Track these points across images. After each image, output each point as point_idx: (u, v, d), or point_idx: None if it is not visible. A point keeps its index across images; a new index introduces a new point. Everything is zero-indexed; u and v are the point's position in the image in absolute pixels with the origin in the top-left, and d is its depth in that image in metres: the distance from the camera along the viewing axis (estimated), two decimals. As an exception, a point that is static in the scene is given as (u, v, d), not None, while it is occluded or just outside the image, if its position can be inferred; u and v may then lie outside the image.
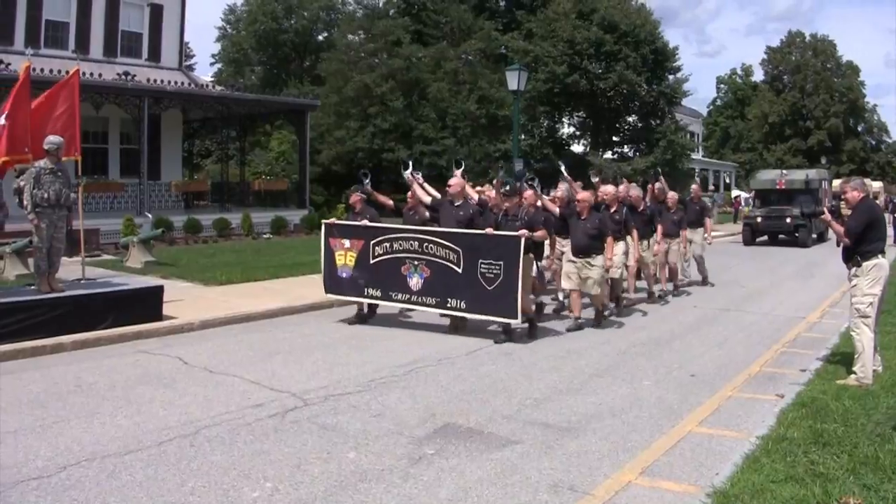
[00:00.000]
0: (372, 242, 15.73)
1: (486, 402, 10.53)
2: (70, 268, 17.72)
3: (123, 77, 33.80)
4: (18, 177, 15.23)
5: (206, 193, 44.83)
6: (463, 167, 16.64)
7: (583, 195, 16.09)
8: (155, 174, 36.82)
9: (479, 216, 15.39)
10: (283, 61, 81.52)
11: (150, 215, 32.42)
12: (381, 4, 66.53)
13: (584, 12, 51.97)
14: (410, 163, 17.33)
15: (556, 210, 16.41)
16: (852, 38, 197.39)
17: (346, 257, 16.10)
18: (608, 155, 55.42)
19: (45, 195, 14.31)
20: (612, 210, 17.14)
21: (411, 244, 15.25)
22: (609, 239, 15.66)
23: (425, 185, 16.83)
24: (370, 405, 10.34)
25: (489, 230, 14.48)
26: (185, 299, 17.74)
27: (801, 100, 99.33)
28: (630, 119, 56.03)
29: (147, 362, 12.61)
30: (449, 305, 14.80)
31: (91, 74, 30.05)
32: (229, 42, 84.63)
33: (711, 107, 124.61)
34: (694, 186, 25.76)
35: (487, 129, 53.68)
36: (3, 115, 15.58)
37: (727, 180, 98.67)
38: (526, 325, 14.96)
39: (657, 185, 21.52)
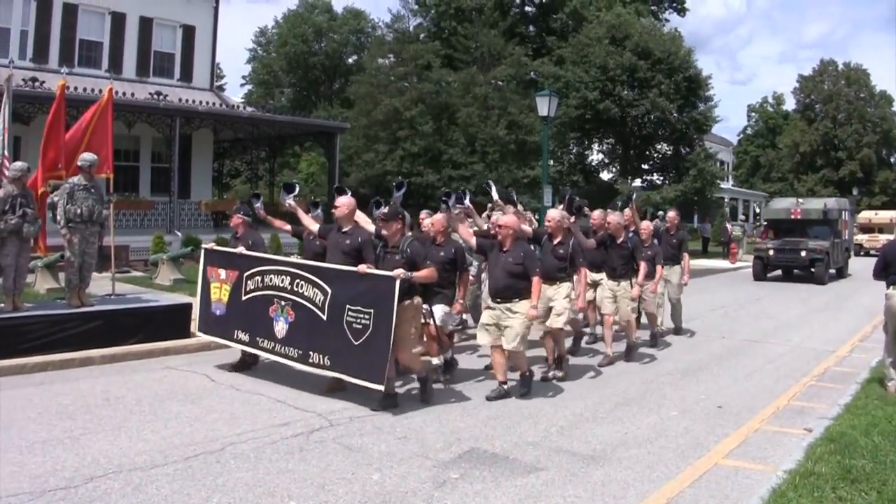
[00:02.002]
0: (245, 275, 13.02)
1: (511, 427, 10.50)
2: (100, 283, 17.87)
3: (155, 97, 33.97)
4: (52, 192, 15.39)
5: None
6: (494, 189, 15.57)
7: (505, 220, 12.55)
8: (185, 193, 36.97)
9: (371, 248, 12.13)
10: (312, 84, 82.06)
11: (179, 233, 32.48)
12: (411, 29, 66.65)
13: (618, 38, 51.72)
14: (297, 186, 14.61)
15: (472, 240, 13.02)
16: (886, 67, 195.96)
17: (220, 291, 13.50)
18: (637, 182, 55.16)
19: (78, 211, 14.51)
20: (557, 241, 13.62)
21: (282, 279, 12.40)
22: (535, 279, 12.03)
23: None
24: (395, 427, 10.35)
25: (362, 267, 11.36)
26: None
27: (833, 129, 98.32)
28: (660, 147, 55.77)
29: (174, 378, 12.72)
30: (311, 360, 11.73)
31: (124, 94, 30.25)
32: (260, 64, 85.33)
33: (742, 135, 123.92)
34: (671, 214, 20.06)
35: (516, 154, 53.61)
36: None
37: (757, 210, 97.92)
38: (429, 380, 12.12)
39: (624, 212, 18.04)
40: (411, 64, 58.05)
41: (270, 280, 12.58)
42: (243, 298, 13.02)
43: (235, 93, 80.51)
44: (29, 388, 11.89)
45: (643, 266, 15.57)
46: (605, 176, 57.70)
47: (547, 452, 9.46)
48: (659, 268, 17.10)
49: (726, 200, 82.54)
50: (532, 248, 13.35)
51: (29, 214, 14.08)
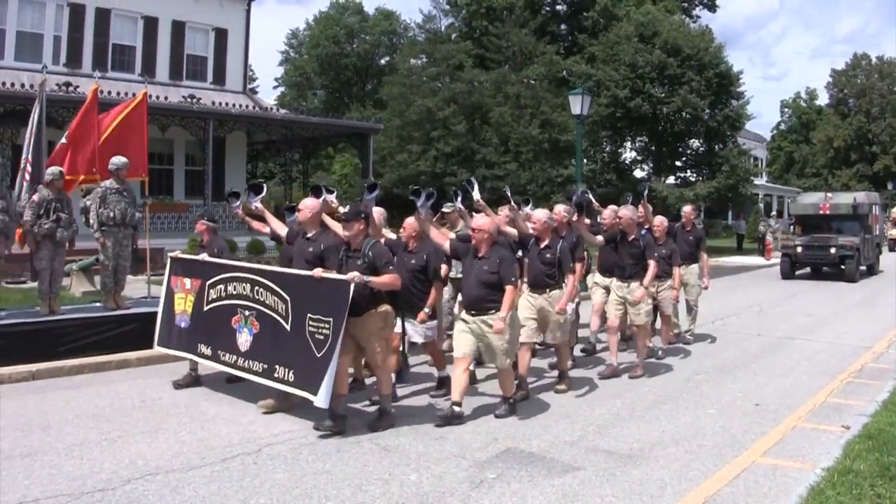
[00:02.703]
0: (208, 283, 12.00)
1: (548, 427, 10.47)
2: (135, 286, 17.95)
3: (189, 100, 34.19)
4: (85, 196, 15.50)
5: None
6: (476, 188, 12.65)
7: (479, 222, 11.16)
8: (219, 195, 37.02)
9: (336, 253, 10.83)
10: (345, 85, 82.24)
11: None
12: (442, 29, 66.77)
13: (647, 35, 51.50)
14: (265, 187, 13.29)
15: (446, 244, 11.54)
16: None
17: (185, 301, 12.44)
18: (671, 180, 54.92)
19: (111, 214, 14.60)
20: (544, 245, 12.31)
21: (244, 287, 11.35)
22: (509, 289, 10.72)
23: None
24: (432, 428, 10.33)
25: (317, 271, 10.32)
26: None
27: (867, 124, 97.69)
28: (693, 143, 55.53)
29: (210, 380, 12.67)
30: (276, 375, 10.58)
31: (157, 97, 30.35)
32: (292, 66, 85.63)
33: (775, 131, 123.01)
34: (686, 209, 18.56)
35: (550, 153, 53.50)
36: (65, 136, 15.99)
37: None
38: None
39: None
40: (443, 64, 58.12)
41: (234, 288, 11.51)
42: (205, 309, 11.97)
43: (268, 95, 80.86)
44: (66, 391, 11.97)
45: (652, 265, 13.89)
46: (639, 174, 57.51)
47: (584, 452, 9.42)
48: (676, 268, 15.78)
49: (760, 197, 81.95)
50: (514, 253, 12.32)
51: (63, 219, 14.21)
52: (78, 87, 29.50)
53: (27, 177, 15.46)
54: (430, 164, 53.50)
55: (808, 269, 34.95)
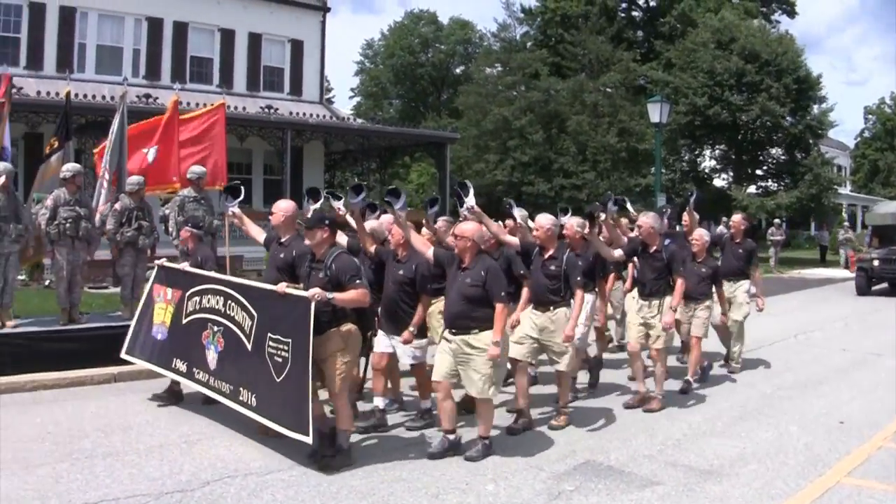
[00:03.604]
0: (187, 294, 11.28)
1: (626, 440, 10.37)
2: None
3: (266, 110, 34.48)
4: (164, 205, 15.72)
5: (347, 224, 45.02)
6: (471, 192, 11.13)
7: (463, 228, 9.94)
8: (297, 204, 37.28)
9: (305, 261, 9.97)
10: (420, 94, 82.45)
11: (290, 244, 32.74)
12: (517, 37, 66.65)
13: (724, 42, 51.02)
14: (243, 191, 12.49)
15: (429, 252, 10.61)
16: None
17: (165, 312, 11.73)
18: (751, 189, 54.26)
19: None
20: (548, 255, 11.16)
21: (217, 300, 10.60)
22: (499, 307, 9.45)
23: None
24: (509, 438, 10.30)
25: (281, 286, 9.45)
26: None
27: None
28: (773, 152, 54.85)
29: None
30: (241, 398, 9.78)
31: (235, 108, 30.59)
32: (367, 76, 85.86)
33: (859, 138, 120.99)
34: (736, 217, 16.48)
35: (628, 162, 53.13)
36: (153, 148, 16.29)
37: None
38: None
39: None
40: (519, 73, 57.97)
41: (208, 301, 10.80)
42: (183, 322, 11.23)
43: (344, 105, 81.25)
44: (146, 394, 12.14)
45: (680, 283, 12.20)
46: (718, 183, 56.98)
47: (663, 466, 9.32)
48: (720, 289, 14.46)
49: (845, 206, 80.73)
50: (499, 263, 10.80)
51: (145, 227, 14.54)
52: (157, 98, 29.87)
53: (105, 185, 15.75)
54: (508, 174, 53.37)
55: (885, 285, 31.39)
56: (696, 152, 56.35)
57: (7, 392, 12.22)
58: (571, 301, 11.05)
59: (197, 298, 11.02)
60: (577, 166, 52.14)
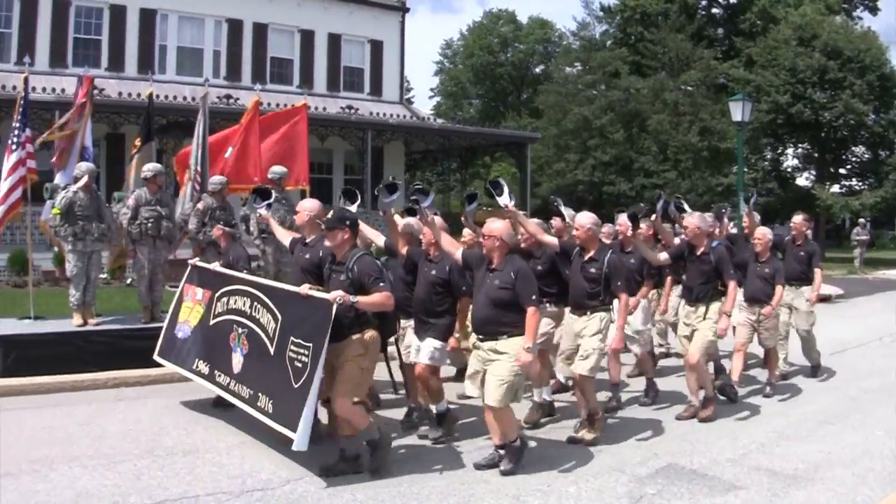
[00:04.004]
0: (216, 295, 10.96)
1: (709, 444, 10.18)
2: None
3: (347, 111, 34.74)
4: (245, 205, 15.83)
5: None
6: (506, 191, 10.19)
7: (491, 227, 9.26)
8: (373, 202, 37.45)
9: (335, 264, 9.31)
10: (500, 94, 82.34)
11: (372, 244, 32.93)
12: (597, 36, 66.34)
13: (805, 38, 50.36)
14: (273, 193, 12.57)
15: (458, 253, 9.78)
16: None
17: (192, 311, 11.49)
18: (835, 188, 53.48)
19: (271, 222, 14.81)
20: (588, 256, 10.43)
21: (244, 302, 10.24)
22: (531, 311, 8.83)
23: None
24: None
25: (304, 287, 9.06)
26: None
27: None
28: (857, 150, 54.05)
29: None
30: (259, 404, 9.27)
31: (316, 108, 30.77)
32: (447, 76, 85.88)
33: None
34: (797, 218, 15.18)
35: (710, 161, 52.61)
36: (234, 147, 16.42)
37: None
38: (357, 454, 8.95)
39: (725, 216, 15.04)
40: (599, 72, 57.76)
41: (235, 302, 10.46)
42: (211, 323, 10.90)
43: (424, 105, 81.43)
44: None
45: (732, 287, 11.49)
46: (801, 182, 56.30)
47: (746, 470, 9.13)
48: (779, 289, 13.15)
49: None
50: (541, 263, 11.02)
51: (227, 227, 14.59)
52: (238, 99, 30.22)
53: (195, 185, 15.93)
54: (588, 174, 53.21)
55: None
56: (779, 151, 55.76)
57: (90, 389, 12.38)
58: (612, 306, 10.41)
59: (226, 299, 10.70)
60: (657, 166, 51.84)
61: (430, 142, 40.50)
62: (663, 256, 11.98)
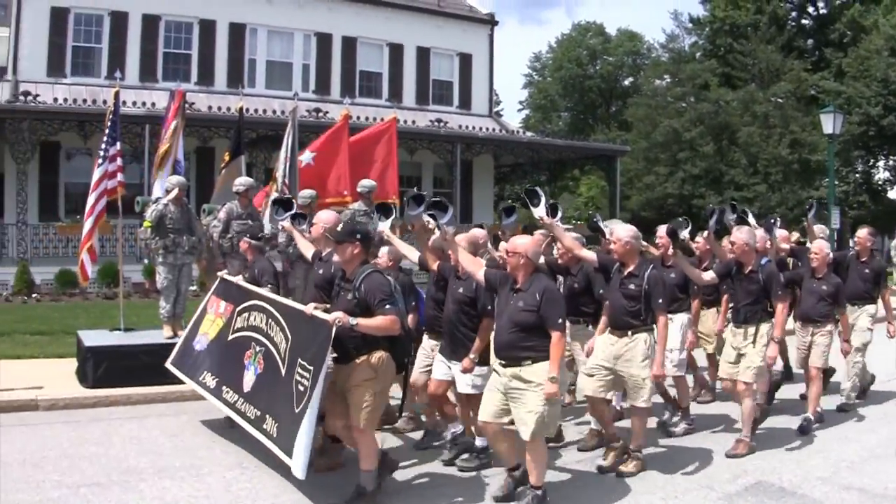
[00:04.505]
0: (237, 310, 10.52)
1: (799, 461, 10.03)
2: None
3: (436, 124, 34.77)
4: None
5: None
6: (543, 202, 9.76)
7: (516, 243, 8.64)
8: (466, 217, 37.35)
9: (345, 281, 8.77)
10: (589, 107, 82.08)
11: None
12: (686, 48, 65.85)
13: (898, 48, 49.81)
14: (294, 204, 12.18)
15: (480, 273, 9.02)
16: None
17: (212, 324, 11.08)
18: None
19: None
20: (628, 272, 9.82)
21: (261, 318, 9.77)
22: (556, 336, 8.17)
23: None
24: (678, 455, 10.15)
25: (310, 307, 8.67)
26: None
27: None
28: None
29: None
30: (265, 426, 8.79)
31: (405, 121, 30.85)
32: (536, 88, 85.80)
33: None
34: (861, 233, 13.96)
35: (800, 174, 51.98)
36: (313, 156, 16.52)
37: None
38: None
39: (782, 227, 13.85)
40: (688, 84, 57.45)
41: (254, 318, 9.95)
42: (229, 338, 10.44)
43: (512, 117, 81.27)
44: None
45: (780, 310, 10.67)
46: (893, 195, 55.44)
47: (836, 489, 8.97)
48: (843, 313, 12.26)
49: None
50: (577, 280, 10.70)
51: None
52: (327, 112, 30.39)
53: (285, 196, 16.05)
54: (678, 187, 52.93)
55: None
56: (870, 163, 54.97)
57: (179, 401, 12.49)
58: (654, 326, 9.72)
59: (246, 315, 10.19)
60: (747, 178, 51.37)
61: (519, 155, 40.41)
62: (709, 275, 11.22)
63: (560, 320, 8.20)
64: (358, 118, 27.76)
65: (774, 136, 51.81)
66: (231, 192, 15.02)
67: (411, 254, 10.50)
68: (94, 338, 13.58)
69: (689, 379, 12.45)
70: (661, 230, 11.79)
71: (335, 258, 9.19)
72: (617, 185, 41.53)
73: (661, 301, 9.58)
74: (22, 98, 28.41)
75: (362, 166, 17.36)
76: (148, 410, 12.25)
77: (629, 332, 9.61)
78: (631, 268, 9.77)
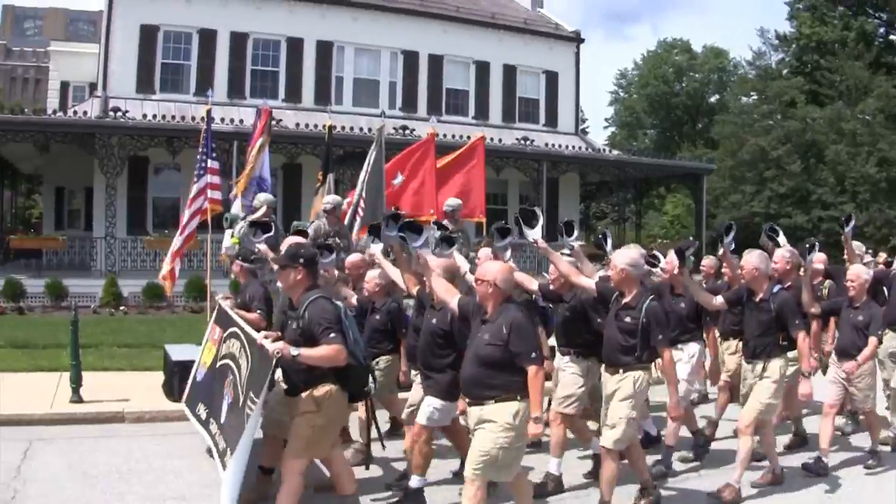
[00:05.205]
0: (223, 337, 9.83)
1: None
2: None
3: (522, 142, 34.73)
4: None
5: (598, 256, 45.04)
6: (540, 222, 9.83)
7: (485, 269, 7.94)
8: (552, 235, 37.25)
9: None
10: (675, 124, 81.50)
11: (546, 275, 32.75)
12: (773, 65, 65.06)
13: None
14: (273, 226, 11.75)
15: (453, 302, 8.34)
16: None
17: (209, 352, 10.36)
18: None
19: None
20: (625, 302, 8.93)
21: (236, 346, 9.11)
22: (532, 371, 7.39)
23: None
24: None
25: (260, 335, 8.08)
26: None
27: None
28: None
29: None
30: (226, 461, 8.14)
31: (491, 139, 30.86)
32: (622, 106, 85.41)
33: None
34: None
35: (888, 193, 51.06)
36: (402, 174, 16.46)
37: None
38: None
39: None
40: (775, 101, 56.74)
41: (231, 345, 9.31)
42: (217, 365, 9.74)
43: (598, 135, 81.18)
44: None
45: (801, 340, 9.61)
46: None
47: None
48: (872, 340, 10.63)
49: None
50: (571, 308, 9.91)
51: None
52: (414, 130, 30.42)
53: (360, 214, 15.97)
54: (765, 206, 52.23)
55: None
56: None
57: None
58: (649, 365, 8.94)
59: (227, 342, 9.52)
60: (835, 197, 50.58)
61: (605, 173, 40.33)
62: (718, 301, 10.33)
63: (534, 354, 7.38)
64: (444, 136, 27.73)
65: (862, 153, 50.98)
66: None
67: (399, 280, 9.80)
68: (180, 352, 13.58)
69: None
70: (670, 255, 10.73)
71: (279, 284, 8.69)
72: (703, 203, 41.21)
73: (661, 337, 8.67)
74: (112, 114, 28.91)
75: (449, 185, 17.30)
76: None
77: (620, 370, 8.77)
78: (628, 298, 8.88)
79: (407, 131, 30.53)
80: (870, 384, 10.80)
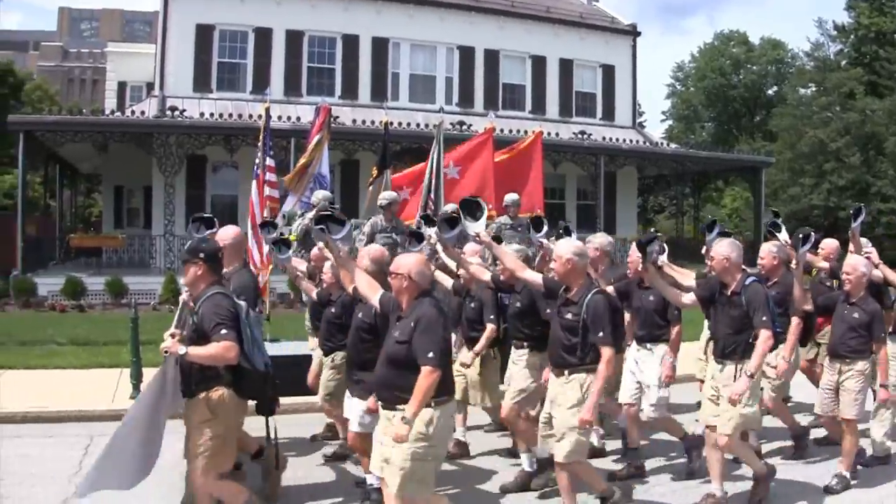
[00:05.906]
0: None
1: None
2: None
3: (579, 136, 34.71)
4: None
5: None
6: (481, 217, 9.23)
7: (399, 262, 7.47)
8: (610, 229, 37.09)
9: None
10: (732, 117, 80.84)
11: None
12: (831, 56, 64.37)
13: None
14: (291, 248, 11.14)
15: (375, 298, 7.82)
16: None
17: None
18: None
19: (505, 250, 14.76)
20: (567, 298, 8.36)
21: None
22: (424, 371, 6.82)
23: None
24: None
25: (167, 334, 7.41)
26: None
27: None
28: None
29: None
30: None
31: (548, 134, 30.75)
32: (679, 99, 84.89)
33: None
34: None
35: (946, 186, 50.43)
36: (458, 170, 16.46)
37: None
38: None
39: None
40: (834, 93, 56.08)
41: None
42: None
43: (655, 128, 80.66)
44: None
45: (763, 338, 8.45)
46: None
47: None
48: (881, 346, 9.70)
49: None
50: (520, 300, 9.61)
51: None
52: (471, 125, 30.47)
53: (430, 209, 16.01)
54: (823, 198, 51.69)
55: None
56: None
57: (319, 412, 12.40)
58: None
59: None
60: (895, 190, 49.88)
61: (662, 166, 40.06)
62: (689, 297, 9.22)
63: (430, 353, 6.79)
64: (501, 131, 27.71)
65: (921, 146, 50.33)
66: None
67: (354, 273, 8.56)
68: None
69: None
70: (632, 249, 9.84)
71: (181, 281, 8.22)
72: (762, 196, 40.93)
73: (601, 334, 7.93)
74: (169, 113, 29.07)
75: (507, 179, 17.28)
76: (289, 420, 11.90)
77: (565, 372, 8.16)
78: (571, 293, 8.29)
79: (464, 127, 30.58)
80: (862, 387, 9.70)
